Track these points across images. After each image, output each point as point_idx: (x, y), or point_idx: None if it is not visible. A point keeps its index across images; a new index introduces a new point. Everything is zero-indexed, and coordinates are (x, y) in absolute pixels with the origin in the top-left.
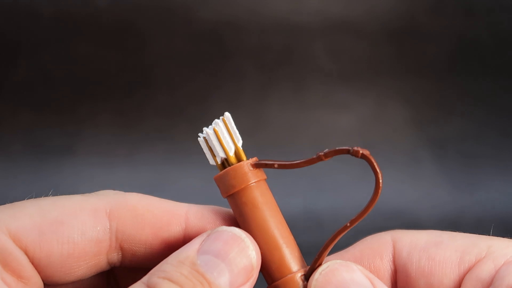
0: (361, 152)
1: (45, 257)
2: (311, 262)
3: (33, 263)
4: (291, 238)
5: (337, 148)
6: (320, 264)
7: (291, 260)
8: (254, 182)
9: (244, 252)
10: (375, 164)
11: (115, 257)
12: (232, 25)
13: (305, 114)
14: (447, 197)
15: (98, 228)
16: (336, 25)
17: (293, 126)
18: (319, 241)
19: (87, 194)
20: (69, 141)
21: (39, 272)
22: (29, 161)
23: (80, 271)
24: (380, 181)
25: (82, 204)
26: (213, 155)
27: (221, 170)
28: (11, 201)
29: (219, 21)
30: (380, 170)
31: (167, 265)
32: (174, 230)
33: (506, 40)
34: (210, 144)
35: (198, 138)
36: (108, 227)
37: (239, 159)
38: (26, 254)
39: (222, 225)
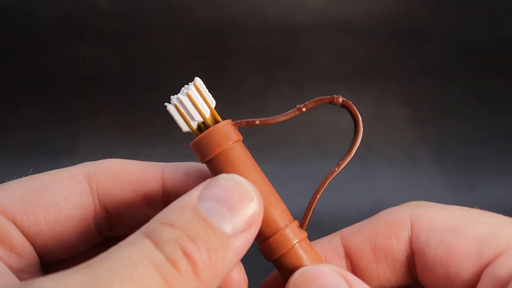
0: (341, 99)
1: (33, 225)
2: (304, 211)
3: (23, 233)
4: (276, 194)
5: (317, 98)
6: (311, 211)
7: (282, 215)
8: (238, 140)
9: (246, 197)
10: (355, 109)
11: (103, 222)
12: (232, 25)
13: (305, 114)
14: (446, 197)
15: (80, 191)
16: (336, 25)
17: (293, 126)
18: None
19: (67, 167)
20: (69, 141)
21: (31, 243)
22: (29, 161)
23: (72, 238)
24: (360, 124)
25: (61, 173)
26: (187, 121)
27: (197, 135)
28: None
29: (219, 21)
30: (359, 115)
31: (167, 211)
32: (152, 185)
33: (506, 40)
34: (183, 110)
35: (168, 107)
36: (89, 189)
37: (216, 121)
38: (15, 223)
39: (197, 177)
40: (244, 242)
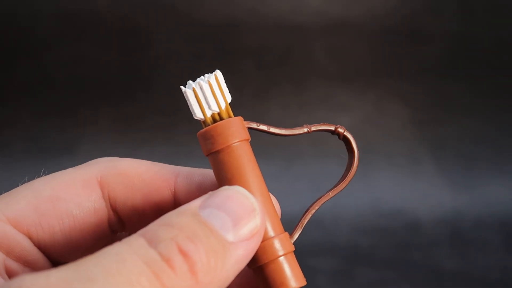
0: (343, 131)
1: (48, 237)
2: (295, 226)
3: (38, 246)
4: (271, 202)
5: (324, 123)
6: (303, 226)
7: (274, 225)
8: (247, 139)
9: (249, 208)
10: (354, 145)
11: (117, 225)
12: (232, 25)
13: (305, 114)
14: (446, 197)
15: (93, 197)
16: (336, 25)
17: (293, 126)
18: (319, 241)
19: (79, 166)
20: (69, 141)
21: (46, 254)
22: (30, 160)
23: (88, 244)
24: (356, 158)
25: (73, 177)
26: (202, 108)
27: (207, 125)
28: None
29: (220, 21)
30: (357, 149)
31: (167, 215)
32: (164, 194)
33: (506, 40)
34: (201, 97)
35: (185, 89)
36: (101, 194)
37: (229, 116)
38: (29, 237)
39: (210, 185)
40: (245, 252)
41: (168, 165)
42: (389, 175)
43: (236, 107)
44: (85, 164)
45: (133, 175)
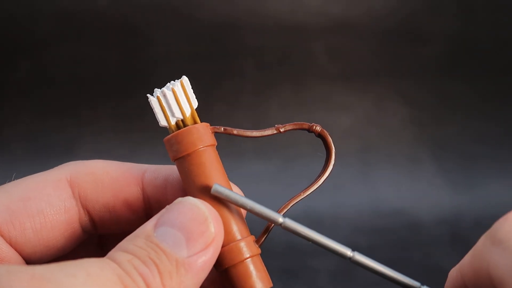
0: (319, 128)
1: (20, 234)
2: (263, 229)
3: (10, 243)
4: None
5: (296, 123)
6: (270, 230)
7: (240, 228)
8: (213, 144)
9: (200, 219)
10: (330, 140)
11: (88, 224)
12: (232, 25)
13: (305, 114)
14: (446, 197)
15: (63, 196)
16: (336, 25)
17: None
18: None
19: (49, 169)
20: (69, 141)
21: (19, 252)
22: (29, 160)
23: (59, 243)
24: (333, 155)
25: (44, 178)
26: (166, 116)
27: (172, 132)
28: None
29: (219, 21)
30: (333, 147)
31: (124, 241)
32: (133, 190)
33: (506, 40)
34: (165, 104)
35: (150, 98)
36: (72, 194)
37: (195, 122)
38: (1, 234)
39: (177, 183)
40: (203, 262)
41: (137, 164)
42: (389, 175)
43: (236, 107)
44: (55, 167)
45: (102, 173)
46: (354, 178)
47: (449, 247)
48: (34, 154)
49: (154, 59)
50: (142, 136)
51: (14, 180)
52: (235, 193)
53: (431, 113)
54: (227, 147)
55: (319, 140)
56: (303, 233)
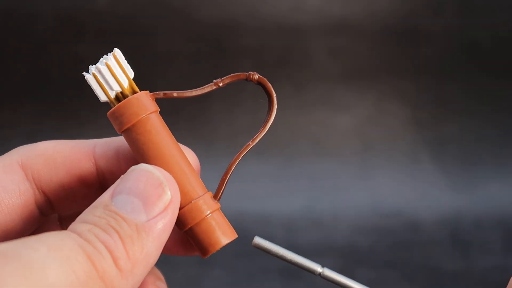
0: (257, 76)
1: None
2: (219, 183)
3: None
4: (191, 165)
5: (233, 74)
6: (225, 182)
7: (196, 187)
8: (155, 111)
9: (155, 183)
10: (270, 86)
11: (45, 205)
12: (232, 25)
13: (305, 114)
14: (446, 197)
15: (16, 180)
16: (336, 25)
17: (293, 126)
18: (319, 241)
19: None
20: None
21: None
22: None
23: (18, 226)
24: (275, 100)
25: None
26: (105, 91)
27: (114, 105)
28: None
29: (219, 21)
30: (274, 92)
31: (83, 213)
32: (86, 165)
33: (506, 40)
34: (101, 80)
35: (86, 75)
36: (25, 177)
37: (134, 92)
38: None
39: (128, 153)
40: (163, 224)
41: (86, 140)
42: (389, 175)
43: (236, 107)
44: (5, 154)
45: (53, 153)
46: (354, 178)
47: (449, 247)
48: None
49: (154, 59)
50: None
51: None
52: (275, 245)
53: (431, 113)
54: (227, 147)
55: (320, 137)
56: (342, 283)
